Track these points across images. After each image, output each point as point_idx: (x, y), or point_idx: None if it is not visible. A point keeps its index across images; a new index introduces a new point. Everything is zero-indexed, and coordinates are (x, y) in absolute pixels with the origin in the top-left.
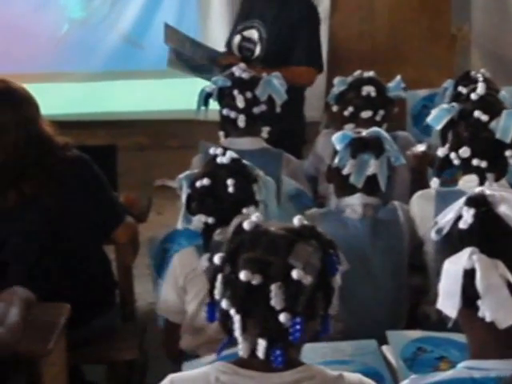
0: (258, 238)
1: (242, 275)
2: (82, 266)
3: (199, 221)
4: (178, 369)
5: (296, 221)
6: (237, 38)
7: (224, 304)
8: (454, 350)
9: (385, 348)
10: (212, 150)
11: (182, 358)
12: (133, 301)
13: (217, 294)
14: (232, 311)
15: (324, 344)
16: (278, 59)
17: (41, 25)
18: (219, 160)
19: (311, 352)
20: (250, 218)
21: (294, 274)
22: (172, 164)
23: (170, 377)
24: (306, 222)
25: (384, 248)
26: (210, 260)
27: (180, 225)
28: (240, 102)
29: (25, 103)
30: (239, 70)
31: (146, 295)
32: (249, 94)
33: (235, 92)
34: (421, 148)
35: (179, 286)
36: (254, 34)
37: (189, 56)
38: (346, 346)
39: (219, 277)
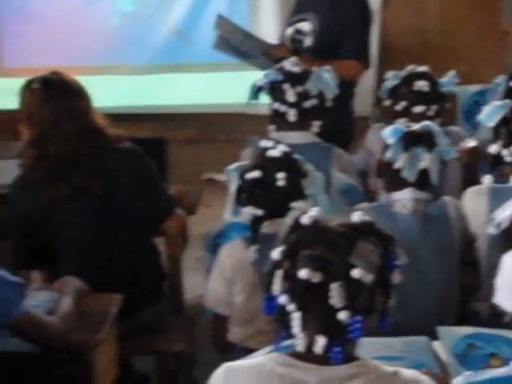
0: (318, 234)
1: (303, 273)
2: (133, 257)
3: (248, 213)
4: (226, 361)
5: (356, 217)
6: (289, 30)
7: (282, 299)
8: (505, 347)
9: (436, 344)
10: (263, 143)
11: (230, 350)
12: (181, 293)
13: (275, 289)
14: (291, 307)
15: (375, 339)
16: (327, 52)
17: (92, 18)
18: (270, 153)
19: (363, 347)
20: (308, 213)
21: (356, 273)
22: (220, 157)
23: (226, 365)
24: (365, 218)
25: (434, 244)
26: (259, 252)
27: (228, 216)
28: (291, 96)
29: (77, 95)
30: (290, 64)
31: (193, 288)
32: (300, 88)
33: (286, 86)
34: (471, 143)
35: (227, 277)
36: (306, 26)
37: (237, 46)
38: (397, 341)
39: (278, 272)
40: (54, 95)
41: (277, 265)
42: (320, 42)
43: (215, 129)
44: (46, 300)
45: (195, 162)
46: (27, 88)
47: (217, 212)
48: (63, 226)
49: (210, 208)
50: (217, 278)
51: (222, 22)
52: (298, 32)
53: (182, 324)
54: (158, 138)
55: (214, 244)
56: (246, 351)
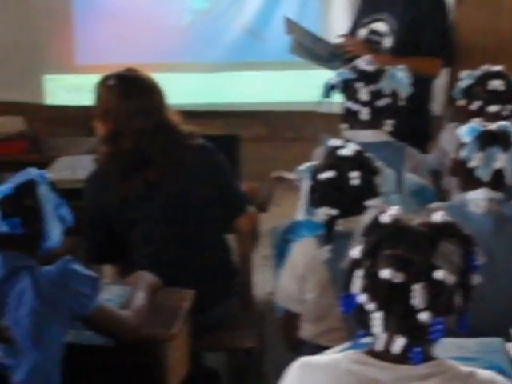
0: (400, 233)
1: (385, 273)
2: (205, 253)
3: (322, 213)
4: (296, 357)
5: (437, 216)
6: (363, 31)
7: (362, 298)
8: None
9: (510, 345)
10: (332, 142)
11: (301, 347)
12: (251, 290)
13: (354, 287)
14: (370, 306)
15: (449, 340)
16: (407, 51)
17: (164, 16)
18: (342, 152)
19: (435, 347)
20: (388, 211)
21: (439, 274)
22: (289, 156)
23: (302, 360)
24: (447, 218)
25: (508, 244)
26: (333, 250)
27: (301, 216)
28: (364, 95)
29: (152, 92)
30: (363, 63)
31: (263, 285)
32: (373, 87)
33: (359, 85)
34: None
35: (299, 275)
36: (381, 26)
37: (310, 47)
38: (471, 342)
39: (358, 271)
40: (129, 91)
41: (356, 263)
42: (400, 42)
43: (284, 127)
44: (119, 294)
45: (263, 160)
46: (103, 84)
47: (286, 210)
48: (136, 221)
49: (278, 206)
50: (288, 275)
51: (291, 25)
52: (374, 33)
53: (252, 321)
54: (230, 135)
55: (283, 240)
56: (317, 348)
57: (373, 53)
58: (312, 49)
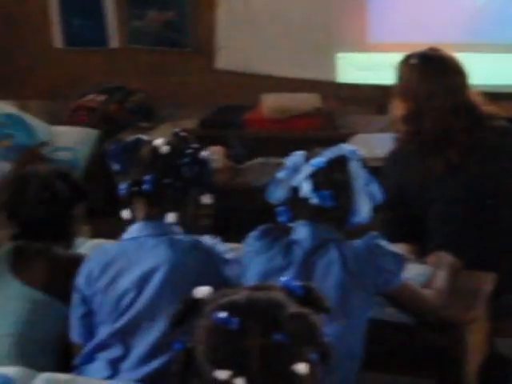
0: None
1: None
2: (502, 236)
3: None
4: None
5: None
6: None
7: None
8: None
9: None
10: None
11: None
12: None
13: None
14: None
15: None
16: None
17: None
18: None
19: None
20: None
21: None
22: None
23: None
24: None
25: None
26: None
27: None
28: None
29: (455, 72)
30: None
31: None
32: None
33: None
34: None
35: None
36: None
37: None
38: None
39: None
40: (432, 71)
41: None
42: None
43: None
44: (420, 273)
45: None
46: (405, 63)
47: None
48: (434, 201)
49: None
50: None
51: None
52: None
53: None
54: None
55: None
56: None
57: None
58: None
